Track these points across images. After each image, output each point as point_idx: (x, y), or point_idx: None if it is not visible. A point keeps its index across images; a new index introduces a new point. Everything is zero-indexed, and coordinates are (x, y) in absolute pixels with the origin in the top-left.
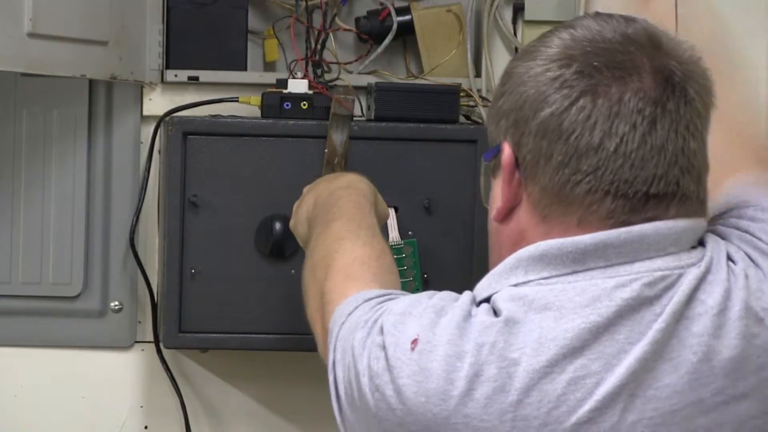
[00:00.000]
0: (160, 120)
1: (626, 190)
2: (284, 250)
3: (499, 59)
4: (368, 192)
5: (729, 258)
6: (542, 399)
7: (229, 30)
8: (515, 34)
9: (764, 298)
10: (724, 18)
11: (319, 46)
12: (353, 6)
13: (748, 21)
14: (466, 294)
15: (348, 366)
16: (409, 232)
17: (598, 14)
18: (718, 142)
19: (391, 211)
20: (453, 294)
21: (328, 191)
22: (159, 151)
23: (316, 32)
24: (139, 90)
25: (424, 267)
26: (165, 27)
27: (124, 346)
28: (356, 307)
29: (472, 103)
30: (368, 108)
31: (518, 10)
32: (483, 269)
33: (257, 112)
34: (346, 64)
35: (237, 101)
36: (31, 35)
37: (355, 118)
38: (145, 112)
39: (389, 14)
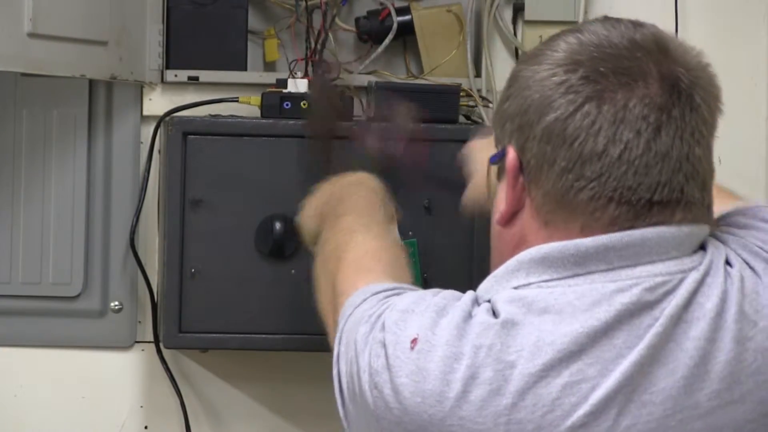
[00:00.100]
0: (160, 120)
1: (630, 197)
2: (284, 250)
3: (499, 59)
4: (377, 190)
5: (727, 262)
6: (537, 403)
7: (229, 30)
8: (515, 34)
9: (758, 301)
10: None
11: (319, 46)
12: (353, 6)
13: (748, 20)
14: (469, 294)
15: (351, 360)
16: (410, 232)
17: (606, 18)
18: None
19: None
20: (456, 293)
21: (340, 187)
22: (159, 151)
23: (316, 32)
24: (139, 90)
25: (424, 267)
26: (165, 27)
27: (124, 346)
28: (364, 300)
29: (472, 103)
30: (368, 108)
31: (518, 10)
32: (483, 269)
33: (257, 112)
34: (348, 65)
35: (237, 101)
36: (31, 35)
37: (354, 118)
38: (145, 112)
39: (389, 14)
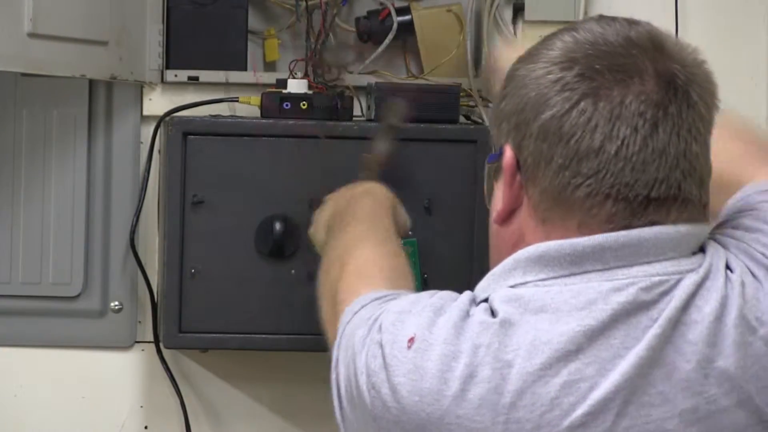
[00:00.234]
0: (160, 120)
1: (627, 194)
2: (284, 250)
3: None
4: (386, 199)
5: (728, 266)
6: (535, 402)
7: (229, 30)
8: (515, 34)
9: (759, 307)
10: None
11: (319, 47)
12: (353, 6)
13: (748, 20)
14: (466, 294)
15: (348, 363)
16: (410, 232)
17: (601, 17)
18: (736, 149)
19: None
20: (453, 294)
21: (346, 198)
22: (159, 151)
23: (316, 32)
24: (139, 90)
25: (424, 267)
26: (165, 27)
27: (124, 346)
28: (363, 306)
29: (472, 103)
30: (368, 108)
31: (518, 10)
32: (483, 269)
33: (257, 112)
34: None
35: (237, 101)
36: (31, 35)
37: (354, 118)
38: (145, 112)
39: (389, 14)
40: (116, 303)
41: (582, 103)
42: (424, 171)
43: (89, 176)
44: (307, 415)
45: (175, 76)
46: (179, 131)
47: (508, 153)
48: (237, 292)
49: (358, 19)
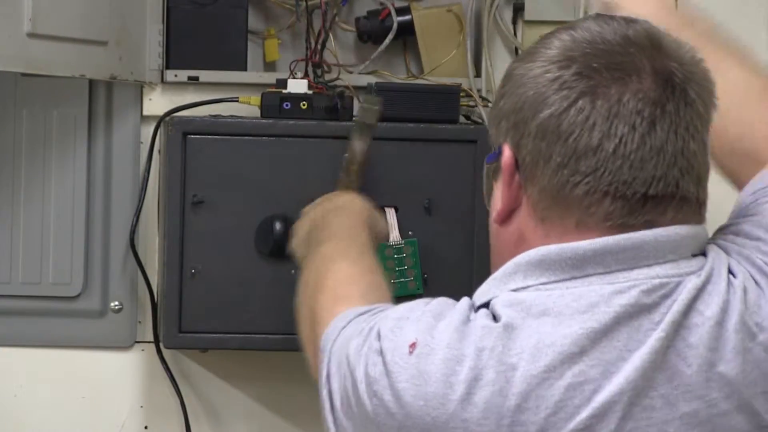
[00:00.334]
0: (160, 120)
1: (625, 191)
2: (284, 250)
3: (499, 59)
4: (362, 212)
5: (730, 271)
6: (540, 405)
7: (229, 30)
8: (515, 34)
9: (759, 314)
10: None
11: (319, 47)
12: (353, 6)
13: (748, 21)
14: (464, 300)
15: (344, 375)
16: (409, 232)
17: (599, 16)
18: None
19: (392, 211)
20: (449, 300)
21: (322, 213)
22: (159, 151)
23: (316, 32)
24: (139, 90)
25: (424, 267)
26: (165, 27)
27: (124, 346)
28: (349, 322)
29: (472, 103)
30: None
31: (518, 10)
32: (483, 269)
33: (257, 112)
34: (348, 65)
35: (237, 101)
36: (31, 35)
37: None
38: (145, 112)
39: (389, 14)
40: (116, 303)
41: (580, 102)
42: (424, 171)
43: (89, 176)
44: (307, 415)
45: (175, 76)
46: (179, 131)
47: (507, 152)
48: (237, 292)
49: (358, 19)
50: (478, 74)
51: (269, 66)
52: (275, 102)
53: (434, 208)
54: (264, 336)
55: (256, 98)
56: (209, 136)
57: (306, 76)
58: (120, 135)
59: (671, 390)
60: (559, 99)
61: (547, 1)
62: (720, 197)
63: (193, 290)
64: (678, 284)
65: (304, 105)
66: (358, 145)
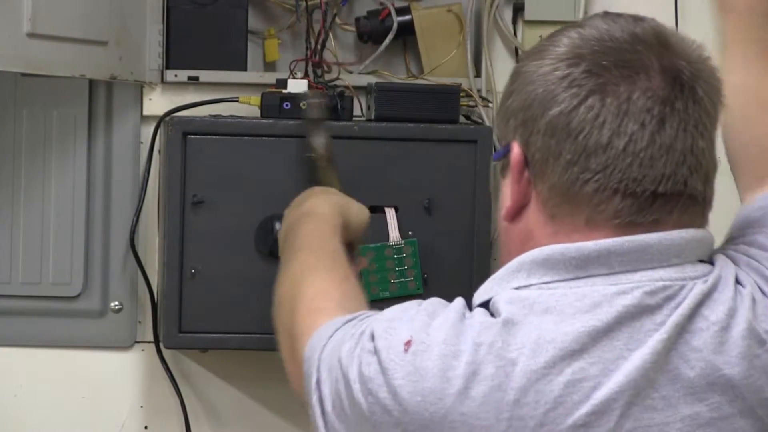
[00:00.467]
0: (160, 120)
1: (634, 189)
2: None
3: (499, 59)
4: (330, 214)
5: (738, 281)
6: (539, 400)
7: (229, 30)
8: (515, 34)
9: None
10: None
11: (319, 46)
12: (353, 6)
13: None
14: (458, 299)
15: (336, 379)
16: (409, 232)
17: (606, 14)
18: None
19: (392, 211)
20: (442, 300)
21: (293, 220)
22: (159, 151)
23: (316, 32)
24: (139, 90)
25: (424, 267)
26: (165, 27)
27: (124, 346)
28: (336, 330)
29: (472, 103)
30: (368, 108)
31: (518, 10)
32: (483, 269)
33: (257, 112)
34: (348, 65)
35: (237, 101)
36: (31, 35)
37: (354, 118)
38: (145, 112)
39: (389, 14)
40: (116, 303)
41: (590, 100)
42: (424, 171)
43: (89, 176)
44: (306, 415)
45: (175, 76)
46: (179, 131)
47: (516, 149)
48: (237, 292)
49: (358, 19)
50: (478, 74)
51: (269, 66)
52: (275, 102)
53: (434, 208)
54: (264, 336)
55: (256, 98)
56: (209, 136)
57: (306, 76)
58: (120, 135)
59: (673, 392)
60: (568, 97)
61: (547, 1)
62: (720, 197)
63: (193, 290)
64: (682, 288)
65: (304, 105)
66: (316, 141)
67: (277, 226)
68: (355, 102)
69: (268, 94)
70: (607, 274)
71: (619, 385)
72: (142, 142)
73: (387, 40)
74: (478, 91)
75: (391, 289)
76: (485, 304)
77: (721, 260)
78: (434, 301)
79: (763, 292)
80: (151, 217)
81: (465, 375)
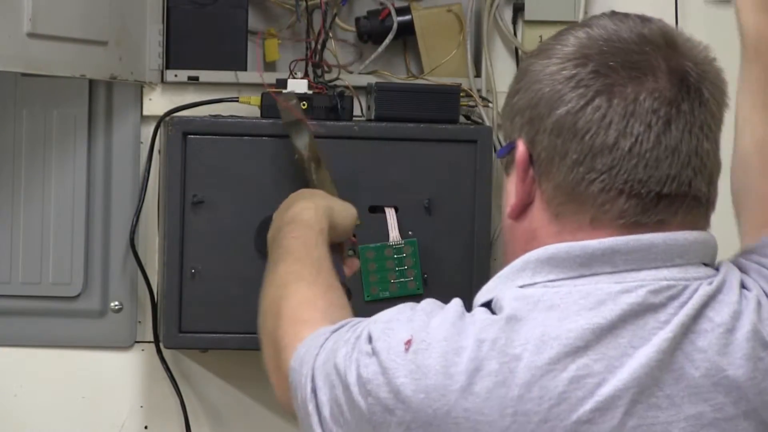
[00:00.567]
0: (160, 120)
1: (639, 190)
2: None
3: (499, 59)
4: (314, 219)
5: (743, 286)
6: (543, 395)
7: (229, 30)
8: (515, 34)
9: None
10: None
11: (319, 46)
12: (353, 6)
13: None
14: (455, 300)
15: (333, 385)
16: (409, 232)
17: (614, 14)
18: None
19: (392, 211)
20: (437, 301)
21: (278, 227)
22: (159, 151)
23: (316, 32)
24: (139, 90)
25: (424, 267)
26: (165, 27)
27: (124, 346)
28: (327, 339)
29: (472, 103)
30: (368, 108)
31: (518, 10)
32: (483, 269)
33: (257, 112)
34: (348, 65)
35: (237, 101)
36: (31, 35)
37: (354, 118)
38: (145, 112)
39: (389, 14)
40: (116, 303)
41: (597, 100)
42: (424, 171)
43: (89, 176)
44: None
45: (175, 76)
46: (179, 131)
47: (521, 148)
48: (237, 292)
49: (358, 19)
50: (478, 74)
51: (269, 66)
52: (275, 102)
53: (434, 208)
54: None
55: (256, 98)
56: (209, 136)
57: (306, 76)
58: (120, 135)
59: (677, 391)
60: (575, 97)
61: (547, 1)
62: (720, 197)
63: (193, 290)
64: (685, 288)
65: (304, 105)
66: (300, 143)
67: None
68: (355, 102)
69: (268, 94)
70: (611, 273)
71: (624, 383)
72: (142, 142)
73: (387, 40)
74: (478, 91)
75: (391, 289)
76: (487, 305)
77: (726, 266)
78: (430, 302)
79: None
80: (151, 217)
81: (468, 371)
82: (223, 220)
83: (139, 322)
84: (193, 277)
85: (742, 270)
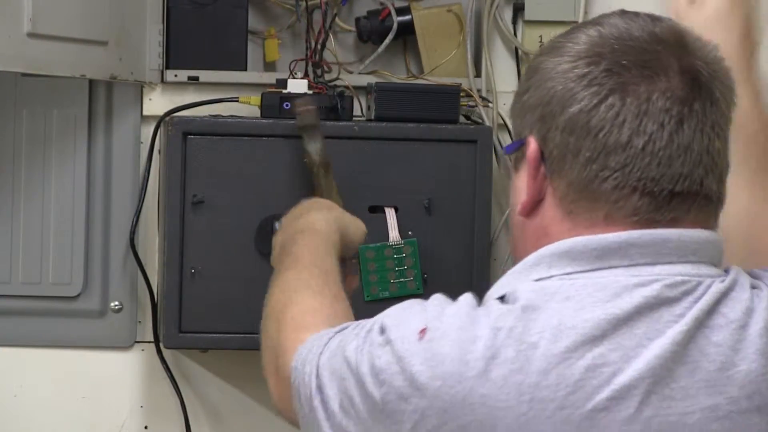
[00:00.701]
0: (160, 120)
1: (652, 188)
2: None
3: (499, 59)
4: (326, 231)
5: (753, 286)
6: (560, 383)
7: (229, 30)
8: (515, 34)
9: None
10: None
11: (319, 46)
12: (353, 6)
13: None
14: (467, 294)
15: (342, 377)
16: (409, 232)
17: (624, 12)
18: None
19: (392, 211)
20: (446, 296)
21: (289, 234)
22: (159, 151)
23: (316, 32)
24: (139, 90)
25: (424, 267)
26: (165, 27)
27: (124, 346)
28: (331, 338)
29: (472, 103)
30: (368, 108)
31: (518, 10)
32: (483, 269)
33: (257, 112)
34: (348, 65)
35: (237, 101)
36: (31, 35)
37: (354, 118)
38: (145, 112)
39: (389, 14)
40: (116, 303)
41: (610, 99)
42: (424, 171)
43: (89, 176)
44: None
45: (175, 76)
46: (179, 131)
47: (533, 145)
48: (237, 292)
49: (358, 19)
50: (478, 74)
51: (269, 66)
52: (275, 102)
53: (434, 208)
54: None
55: (256, 98)
56: (209, 136)
57: (306, 76)
58: (120, 135)
59: (692, 383)
60: (588, 95)
61: (547, 1)
62: None
63: (193, 290)
64: (699, 284)
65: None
66: (312, 148)
67: (277, 226)
68: (355, 102)
69: (268, 94)
70: (627, 266)
71: (639, 372)
72: (142, 142)
73: (387, 40)
74: (478, 91)
75: (391, 289)
76: (501, 299)
77: (736, 269)
78: (440, 296)
79: None
80: (151, 217)
81: (484, 358)
82: (223, 220)
83: (139, 322)
84: (193, 277)
85: (752, 275)
